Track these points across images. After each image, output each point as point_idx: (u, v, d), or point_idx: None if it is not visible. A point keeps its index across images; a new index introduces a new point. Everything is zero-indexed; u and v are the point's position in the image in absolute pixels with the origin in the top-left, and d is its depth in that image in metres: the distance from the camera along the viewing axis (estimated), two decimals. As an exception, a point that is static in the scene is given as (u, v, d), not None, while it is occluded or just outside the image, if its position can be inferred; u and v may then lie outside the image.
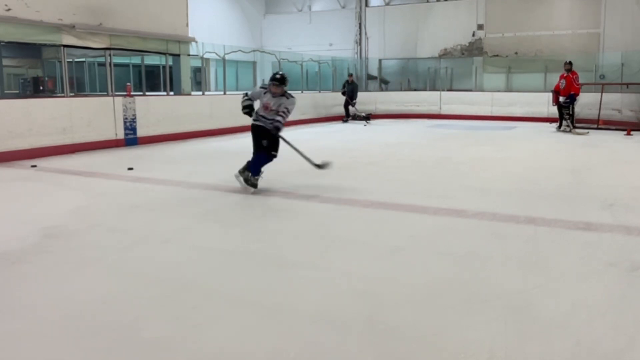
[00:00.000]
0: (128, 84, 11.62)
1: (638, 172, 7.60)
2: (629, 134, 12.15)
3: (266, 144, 5.92)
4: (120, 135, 10.03)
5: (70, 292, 3.20)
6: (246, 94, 6.14)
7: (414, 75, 19.81)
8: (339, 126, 15.12)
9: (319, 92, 17.11)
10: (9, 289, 3.26)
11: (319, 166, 6.42)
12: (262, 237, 4.36)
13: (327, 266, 3.63)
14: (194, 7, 14.41)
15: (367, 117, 16.85)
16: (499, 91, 17.36)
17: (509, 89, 17.67)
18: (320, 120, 16.20)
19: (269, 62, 20.35)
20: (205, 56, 13.91)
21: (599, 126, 13.55)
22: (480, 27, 18.78)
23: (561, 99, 13.05)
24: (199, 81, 16.36)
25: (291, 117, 6.35)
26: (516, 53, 18.14)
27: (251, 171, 5.88)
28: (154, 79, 17.13)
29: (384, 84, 20.49)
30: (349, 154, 9.16)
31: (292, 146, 6.22)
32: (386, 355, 2.44)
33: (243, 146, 10.63)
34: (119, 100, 10.00)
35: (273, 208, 5.39)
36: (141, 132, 10.40)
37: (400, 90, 19.25)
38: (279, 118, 5.89)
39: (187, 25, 12.27)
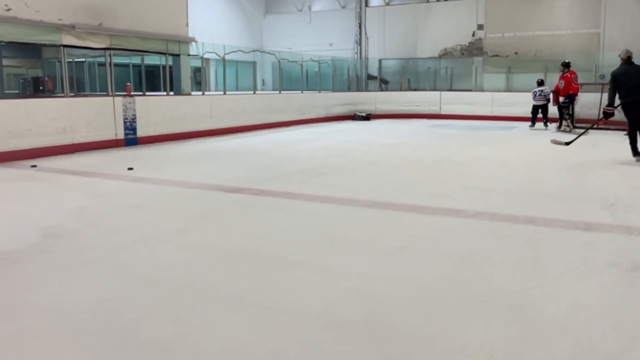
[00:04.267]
0: (128, 84, 11.63)
1: (638, 172, 7.59)
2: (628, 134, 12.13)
3: None
4: (120, 135, 10.03)
5: (70, 292, 3.19)
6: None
7: (414, 75, 19.83)
8: (339, 126, 15.11)
9: (319, 92, 17.12)
10: (9, 289, 3.26)
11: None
12: (262, 236, 4.35)
13: (327, 266, 3.63)
14: (194, 7, 14.44)
15: (368, 117, 16.84)
16: (499, 91, 17.37)
17: (509, 89, 17.68)
18: (320, 120, 16.21)
19: (269, 62, 20.42)
20: (205, 56, 13.92)
21: (599, 126, 13.52)
22: (480, 27, 18.79)
23: (560, 99, 13.10)
24: (199, 81, 16.38)
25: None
26: (516, 53, 18.15)
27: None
28: (154, 79, 17.15)
29: (384, 83, 20.50)
30: (349, 154, 9.16)
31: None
32: (386, 356, 2.43)
33: (243, 146, 10.67)
34: (119, 100, 10.00)
35: (273, 208, 5.39)
36: (141, 132, 10.41)
37: (400, 90, 19.25)
38: None
39: (187, 25, 12.29)
